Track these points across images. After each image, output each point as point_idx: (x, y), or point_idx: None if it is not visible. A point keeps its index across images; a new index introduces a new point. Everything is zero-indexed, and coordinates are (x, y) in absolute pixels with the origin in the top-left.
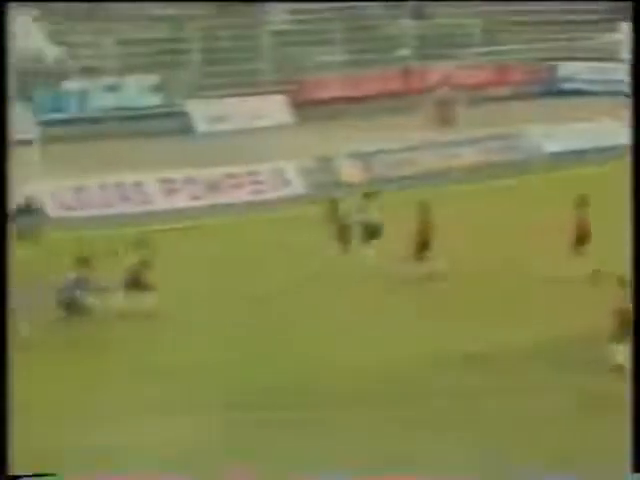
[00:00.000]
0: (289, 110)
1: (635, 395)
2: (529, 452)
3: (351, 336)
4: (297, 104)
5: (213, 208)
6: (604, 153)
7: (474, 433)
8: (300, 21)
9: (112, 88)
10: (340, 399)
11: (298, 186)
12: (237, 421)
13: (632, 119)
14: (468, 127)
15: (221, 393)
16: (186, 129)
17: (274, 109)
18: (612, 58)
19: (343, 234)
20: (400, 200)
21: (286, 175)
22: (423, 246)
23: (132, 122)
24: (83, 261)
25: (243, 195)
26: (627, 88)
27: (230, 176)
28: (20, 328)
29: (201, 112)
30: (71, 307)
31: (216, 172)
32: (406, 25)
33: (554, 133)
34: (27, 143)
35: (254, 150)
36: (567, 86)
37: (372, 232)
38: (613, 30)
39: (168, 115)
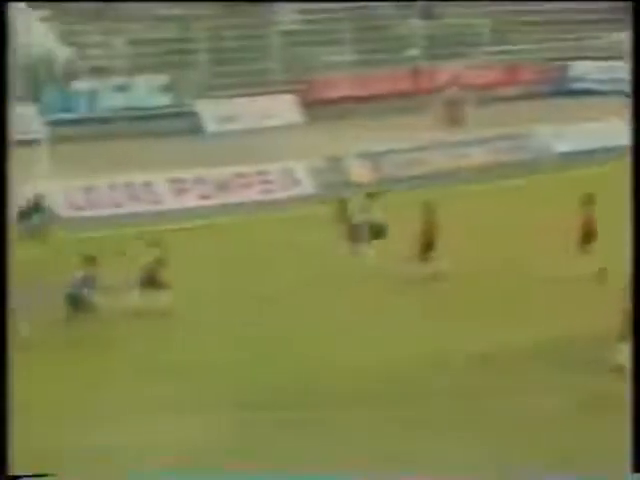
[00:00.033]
0: (298, 110)
1: (635, 395)
2: (529, 452)
3: (359, 336)
4: (306, 104)
5: (223, 208)
6: (613, 153)
7: (476, 433)
8: (309, 21)
9: (121, 88)
10: (347, 399)
11: (308, 186)
12: (247, 420)
13: (632, 119)
14: (477, 127)
15: (230, 392)
16: (196, 129)
17: (283, 109)
18: (621, 57)
19: (353, 234)
20: (409, 200)
21: (296, 175)
22: (428, 246)
23: (141, 122)
24: (91, 260)
25: (252, 195)
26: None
27: (239, 176)
28: (20, 328)
29: (211, 112)
30: (78, 305)
31: (226, 172)
32: (415, 25)
33: (563, 133)
34: (36, 143)
35: (263, 150)
36: (576, 86)
37: (376, 232)
38: (623, 29)
39: (177, 115)
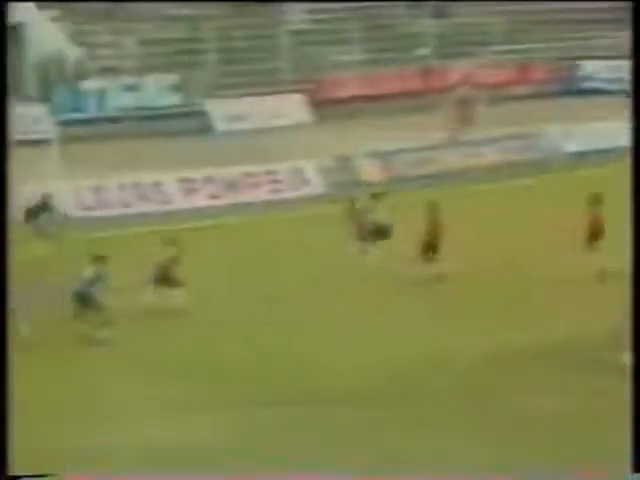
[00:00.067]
0: (308, 109)
1: (635, 395)
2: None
3: (366, 336)
4: (316, 103)
5: (232, 207)
6: (623, 153)
7: (480, 433)
8: (318, 20)
9: (131, 88)
10: (353, 398)
11: (317, 185)
12: (256, 419)
13: (632, 119)
14: (487, 126)
15: (238, 391)
16: (205, 128)
17: (293, 108)
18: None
19: (363, 233)
20: (419, 199)
21: (305, 174)
22: (432, 247)
23: (151, 122)
24: (100, 259)
25: (262, 194)
26: None
27: (248, 175)
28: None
29: (220, 111)
30: (86, 304)
31: (235, 171)
32: (426, 24)
33: (573, 132)
34: (47, 143)
35: (273, 149)
36: (587, 85)
37: (380, 233)
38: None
39: (187, 114)
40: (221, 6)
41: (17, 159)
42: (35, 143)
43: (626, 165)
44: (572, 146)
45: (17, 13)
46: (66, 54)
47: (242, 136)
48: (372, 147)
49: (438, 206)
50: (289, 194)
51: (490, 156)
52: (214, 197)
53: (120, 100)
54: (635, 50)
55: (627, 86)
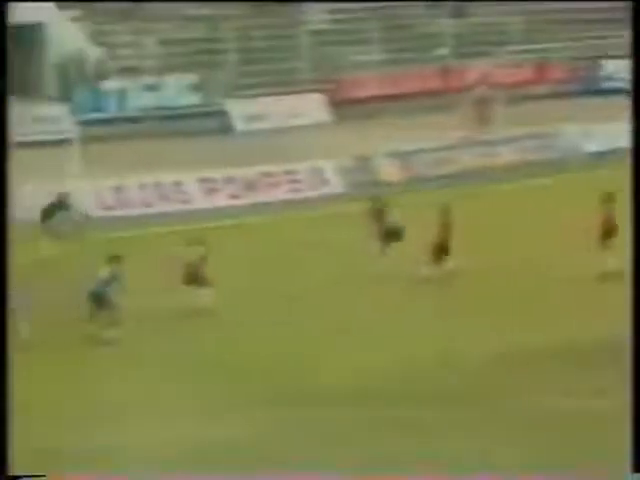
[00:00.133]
0: (327, 109)
1: (635, 395)
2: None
3: (386, 335)
4: (335, 103)
5: (252, 207)
6: None
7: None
8: (338, 20)
9: (151, 88)
10: (373, 397)
11: (337, 185)
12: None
13: (632, 119)
14: (506, 126)
15: (259, 390)
16: (225, 128)
17: (312, 108)
18: None
19: (384, 233)
20: (437, 199)
21: (325, 174)
22: (443, 248)
23: (171, 121)
24: (116, 260)
25: (281, 194)
26: None
27: (268, 175)
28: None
29: (240, 111)
30: (101, 304)
31: (255, 171)
32: (444, 24)
33: (592, 132)
34: (68, 143)
35: (293, 149)
36: (606, 85)
37: (393, 234)
38: None
39: (207, 114)
40: (241, 6)
41: (38, 159)
42: (56, 143)
43: None
44: (591, 146)
45: (38, 13)
46: (86, 54)
47: (262, 136)
48: (391, 147)
49: (450, 208)
50: (309, 194)
51: (508, 156)
52: (234, 197)
53: (140, 100)
54: (635, 50)
55: None
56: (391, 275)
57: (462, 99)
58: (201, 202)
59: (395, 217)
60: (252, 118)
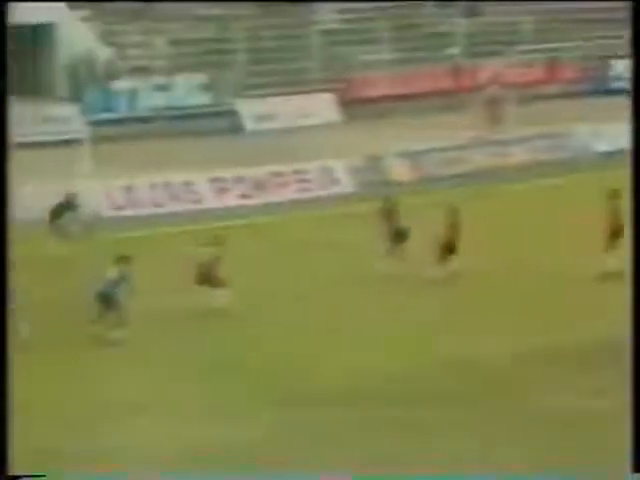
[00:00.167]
0: (338, 108)
1: (635, 395)
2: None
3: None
4: (345, 102)
5: (263, 207)
6: None
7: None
8: (348, 20)
9: (161, 87)
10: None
11: (347, 185)
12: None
13: (632, 119)
14: (517, 126)
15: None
16: (235, 128)
17: (322, 108)
18: None
19: (393, 233)
20: (448, 199)
21: (335, 174)
22: (449, 249)
23: (181, 121)
24: (124, 260)
25: (291, 193)
26: None
27: (279, 174)
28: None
29: (250, 111)
30: (109, 305)
31: (265, 171)
32: (455, 23)
33: (603, 132)
34: (78, 143)
35: (303, 148)
36: (617, 85)
37: (399, 235)
38: None
39: (217, 114)
40: (250, 6)
41: (48, 159)
42: (66, 143)
43: None
44: (602, 146)
45: (48, 13)
46: (96, 54)
47: (272, 135)
48: (401, 146)
49: (457, 208)
50: (319, 193)
51: (519, 155)
52: (245, 196)
53: (150, 100)
54: (635, 50)
55: None
56: (400, 275)
57: (473, 99)
58: (211, 202)
59: (400, 218)
60: (262, 118)
